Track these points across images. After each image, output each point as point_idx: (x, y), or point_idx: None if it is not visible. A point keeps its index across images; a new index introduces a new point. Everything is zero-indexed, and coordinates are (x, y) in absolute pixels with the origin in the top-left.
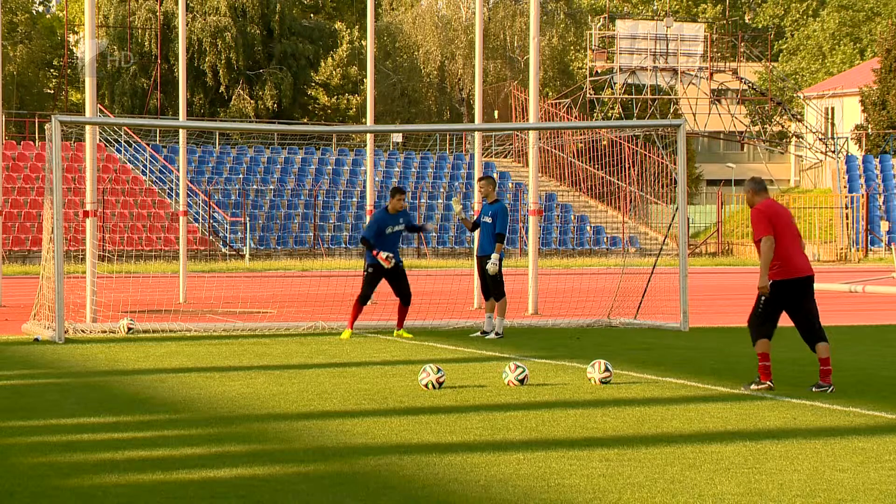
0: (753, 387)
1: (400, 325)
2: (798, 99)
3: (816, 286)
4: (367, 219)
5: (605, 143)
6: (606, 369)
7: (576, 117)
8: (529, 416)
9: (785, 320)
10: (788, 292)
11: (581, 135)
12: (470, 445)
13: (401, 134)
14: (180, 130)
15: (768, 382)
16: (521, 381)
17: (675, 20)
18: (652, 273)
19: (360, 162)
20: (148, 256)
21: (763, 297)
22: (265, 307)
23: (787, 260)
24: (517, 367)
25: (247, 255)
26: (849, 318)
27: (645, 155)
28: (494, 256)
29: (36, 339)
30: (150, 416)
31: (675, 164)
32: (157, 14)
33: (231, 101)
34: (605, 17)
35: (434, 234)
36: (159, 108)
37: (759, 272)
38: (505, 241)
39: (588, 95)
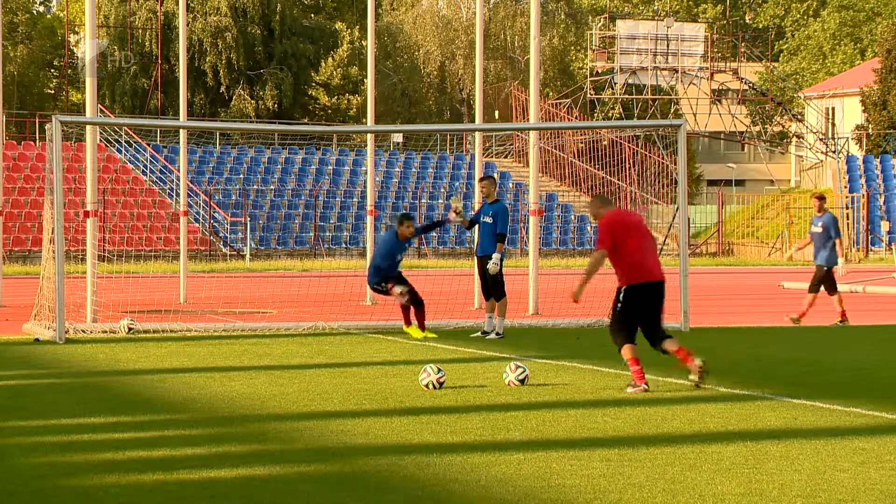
0: (630, 390)
1: (422, 325)
2: (798, 99)
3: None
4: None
5: (605, 143)
6: (519, 366)
7: (576, 117)
8: (530, 417)
9: (785, 320)
10: (642, 295)
11: (581, 135)
12: (470, 445)
13: (401, 134)
14: (181, 130)
15: (643, 385)
16: (522, 382)
17: (676, 20)
18: None
19: (361, 162)
20: (148, 256)
21: (619, 305)
22: (265, 307)
23: (640, 264)
24: (518, 366)
25: (247, 256)
26: (849, 318)
27: (645, 155)
28: (496, 256)
29: (36, 340)
30: (150, 417)
31: (675, 164)
32: (158, 14)
33: (231, 101)
34: (605, 17)
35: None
36: (160, 109)
37: (581, 279)
38: (506, 241)
39: (588, 95)
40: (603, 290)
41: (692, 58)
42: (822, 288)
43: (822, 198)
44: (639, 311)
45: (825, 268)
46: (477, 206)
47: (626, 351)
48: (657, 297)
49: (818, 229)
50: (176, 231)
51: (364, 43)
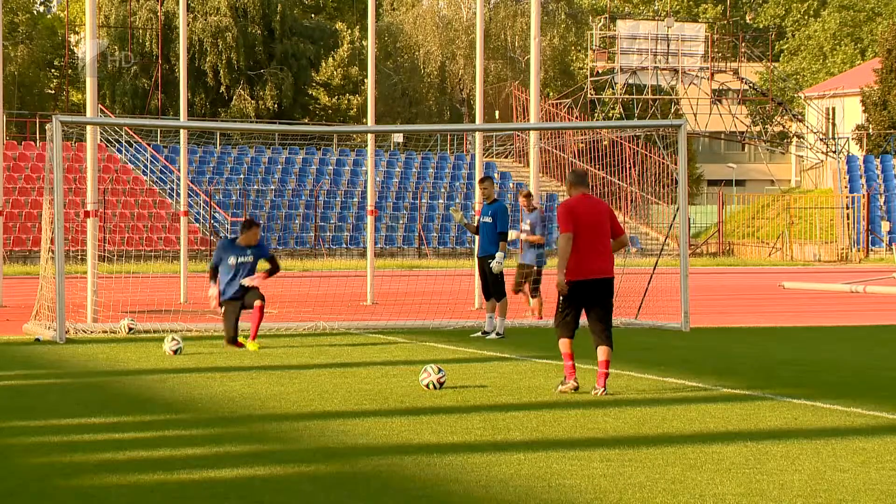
0: (561, 388)
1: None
2: (799, 99)
3: (818, 286)
4: (369, 219)
5: (605, 143)
6: (440, 370)
7: (577, 117)
8: (530, 417)
9: (785, 320)
10: (582, 292)
11: (582, 135)
12: (471, 446)
13: (402, 134)
14: (181, 130)
15: (572, 382)
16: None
17: (676, 20)
18: (653, 273)
19: (361, 162)
20: (148, 256)
21: (561, 297)
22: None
23: (580, 261)
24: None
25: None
26: (849, 318)
27: (646, 155)
28: (499, 255)
29: (37, 340)
30: (150, 417)
31: (675, 164)
32: (158, 14)
33: (232, 101)
34: (605, 17)
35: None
36: (160, 109)
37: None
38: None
39: (589, 95)
40: None
41: (692, 58)
42: (525, 285)
43: (528, 195)
44: (580, 306)
45: (534, 266)
46: (478, 208)
47: (562, 345)
48: (597, 295)
49: (526, 227)
50: (176, 231)
51: (364, 43)
